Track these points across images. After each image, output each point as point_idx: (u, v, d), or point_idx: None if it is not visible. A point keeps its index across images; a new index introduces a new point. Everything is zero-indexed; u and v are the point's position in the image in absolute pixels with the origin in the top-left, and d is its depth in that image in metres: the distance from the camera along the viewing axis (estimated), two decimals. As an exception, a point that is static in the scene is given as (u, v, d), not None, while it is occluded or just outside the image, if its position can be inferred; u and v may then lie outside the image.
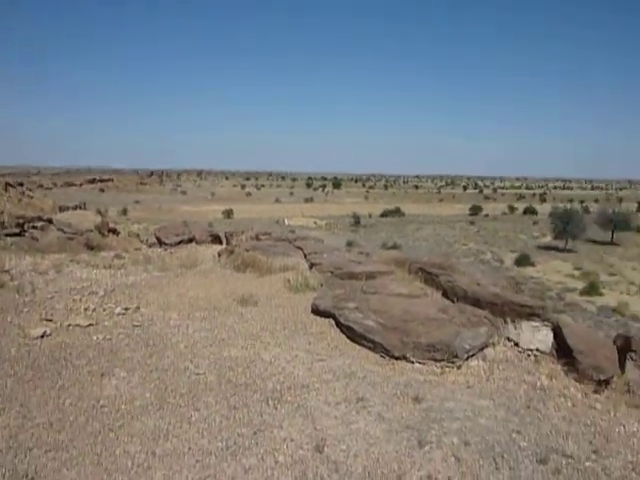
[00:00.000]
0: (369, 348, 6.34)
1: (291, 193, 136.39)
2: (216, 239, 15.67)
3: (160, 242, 14.77)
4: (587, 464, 3.92)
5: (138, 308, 7.51)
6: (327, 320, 7.20)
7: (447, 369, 5.79)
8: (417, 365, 5.93)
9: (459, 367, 5.88)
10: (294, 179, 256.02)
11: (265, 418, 4.52)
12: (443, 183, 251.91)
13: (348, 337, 6.68)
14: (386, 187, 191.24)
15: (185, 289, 8.73)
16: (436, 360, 5.88)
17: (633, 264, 38.67)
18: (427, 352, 5.96)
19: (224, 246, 14.12)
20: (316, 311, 7.53)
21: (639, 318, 24.35)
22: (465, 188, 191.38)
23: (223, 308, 7.67)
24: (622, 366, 6.91)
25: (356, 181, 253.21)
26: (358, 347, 6.39)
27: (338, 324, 7.00)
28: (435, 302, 7.64)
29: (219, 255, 12.32)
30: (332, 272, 9.47)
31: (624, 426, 4.84)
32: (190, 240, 14.90)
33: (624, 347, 7.15)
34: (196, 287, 8.88)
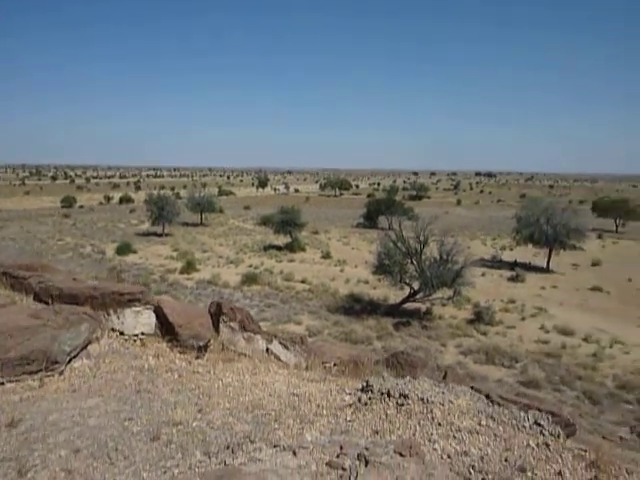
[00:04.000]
0: None
1: None
2: None
3: None
4: (194, 424, 4.29)
5: None
6: None
7: (47, 379, 5.17)
8: (9, 385, 5.05)
9: (61, 373, 5.36)
10: None
11: None
12: (27, 173, 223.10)
13: None
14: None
15: None
16: (32, 372, 5.17)
17: (220, 240, 44.96)
18: (20, 367, 5.15)
19: None
20: None
21: (229, 285, 28.67)
22: (54, 179, 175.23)
23: None
24: (218, 329, 7.95)
25: None
26: None
27: None
28: (25, 308, 6.68)
29: None
30: None
31: (221, 380, 5.56)
32: None
33: (217, 312, 8.22)
34: None
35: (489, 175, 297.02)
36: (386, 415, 3.94)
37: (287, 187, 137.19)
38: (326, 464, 3.14)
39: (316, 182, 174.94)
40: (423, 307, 25.38)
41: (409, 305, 25.40)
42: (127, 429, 4.19)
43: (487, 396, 7.12)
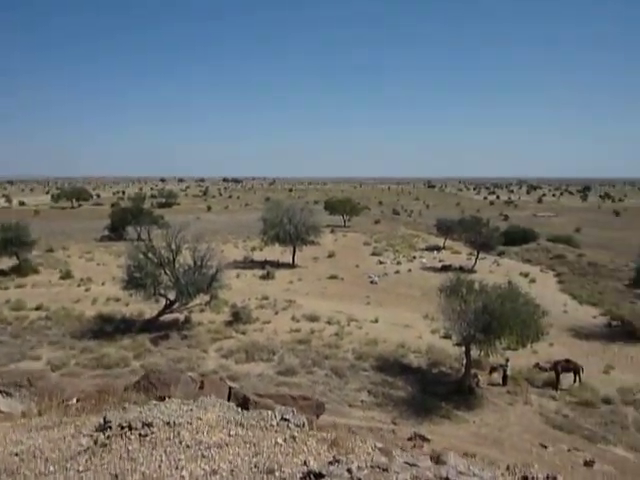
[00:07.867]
0: None
1: None
2: None
3: None
4: None
5: None
6: None
7: None
8: None
9: None
10: None
11: None
12: None
13: None
14: None
15: None
16: None
17: None
18: None
19: None
20: None
21: None
22: None
23: None
24: None
25: None
26: None
27: None
28: None
29: None
30: None
31: None
32: None
33: None
34: None
35: (236, 181, 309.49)
36: (128, 452, 3.48)
37: (9, 200, 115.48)
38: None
39: (47, 193, 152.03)
40: (181, 316, 24.75)
41: (167, 317, 24.42)
42: None
43: (244, 397, 7.20)
